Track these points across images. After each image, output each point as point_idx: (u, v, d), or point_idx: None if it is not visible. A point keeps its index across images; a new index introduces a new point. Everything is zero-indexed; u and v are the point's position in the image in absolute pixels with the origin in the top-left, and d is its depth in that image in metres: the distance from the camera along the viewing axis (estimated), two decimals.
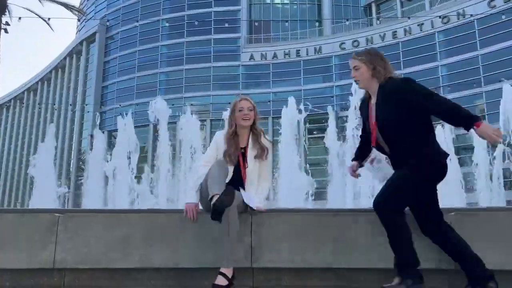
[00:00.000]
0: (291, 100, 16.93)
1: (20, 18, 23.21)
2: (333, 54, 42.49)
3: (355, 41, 41.88)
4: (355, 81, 3.11)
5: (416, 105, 2.79)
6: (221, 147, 3.48)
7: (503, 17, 33.96)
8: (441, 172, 2.90)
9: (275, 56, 43.84)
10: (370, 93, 3.09)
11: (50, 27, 25.85)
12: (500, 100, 18.01)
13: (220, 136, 3.56)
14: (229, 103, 3.75)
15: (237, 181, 3.38)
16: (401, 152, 2.87)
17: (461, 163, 18.71)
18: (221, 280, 2.97)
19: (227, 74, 44.58)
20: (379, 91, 2.98)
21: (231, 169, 3.39)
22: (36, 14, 23.82)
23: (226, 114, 3.94)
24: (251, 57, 44.55)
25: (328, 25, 45.49)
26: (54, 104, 55.70)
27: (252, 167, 3.46)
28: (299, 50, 43.56)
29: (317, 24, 46.05)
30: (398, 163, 2.90)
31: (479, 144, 17.95)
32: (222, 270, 3.01)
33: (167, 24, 46.83)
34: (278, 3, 48.45)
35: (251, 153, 3.47)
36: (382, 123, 2.92)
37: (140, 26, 46.85)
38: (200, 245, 3.28)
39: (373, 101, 3.03)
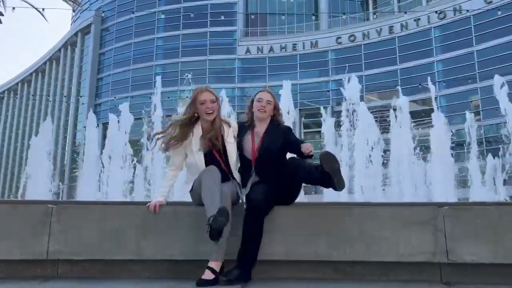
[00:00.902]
0: (286, 84, 16.64)
1: (14, 8, 22.99)
2: (329, 48, 42.42)
3: (351, 35, 41.83)
4: (263, 111, 3.66)
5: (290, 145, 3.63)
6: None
7: (499, 13, 34.00)
8: None
9: (271, 49, 43.71)
10: (257, 123, 3.71)
11: (45, 17, 25.66)
12: (495, 96, 18.05)
13: None
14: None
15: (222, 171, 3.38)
16: (273, 168, 3.51)
17: (456, 158, 18.82)
18: (208, 275, 2.99)
19: (223, 67, 44.41)
20: (270, 126, 3.70)
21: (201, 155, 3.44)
22: (30, 5, 23.57)
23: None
24: (247, 51, 44.39)
25: (325, 19, 45.36)
26: (48, 96, 55.37)
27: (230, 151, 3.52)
28: (296, 44, 43.44)
29: (313, 18, 45.88)
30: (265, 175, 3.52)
31: (473, 141, 18.09)
32: (210, 264, 3.03)
33: (163, 16, 46.51)
34: None
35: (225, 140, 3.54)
36: (267, 148, 3.57)
37: (135, 18, 46.49)
38: (193, 237, 3.29)
39: (260, 130, 3.68)
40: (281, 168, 3.50)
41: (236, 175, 3.52)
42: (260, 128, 3.68)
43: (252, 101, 3.73)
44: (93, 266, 3.37)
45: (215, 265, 3.03)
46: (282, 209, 3.42)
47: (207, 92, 3.50)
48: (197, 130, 3.50)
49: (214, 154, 3.47)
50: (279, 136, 3.62)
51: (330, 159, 3.16)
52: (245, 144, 3.61)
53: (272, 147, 3.56)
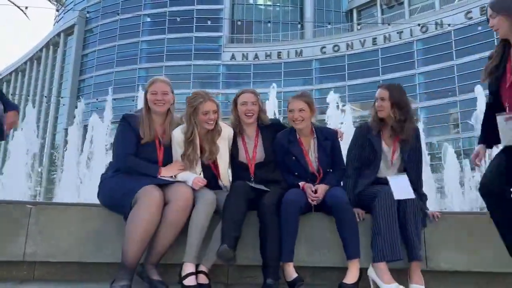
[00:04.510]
0: (272, 93, 16.86)
1: None
2: (313, 57, 42.84)
3: (335, 45, 42.34)
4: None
5: None
6: (179, 144, 3.33)
7: (479, 28, 34.91)
8: None
9: (256, 56, 43.89)
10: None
11: (27, 16, 25.32)
12: (473, 109, 18.55)
13: (178, 132, 3.35)
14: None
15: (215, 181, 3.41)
16: None
17: (433, 169, 19.16)
18: (203, 279, 3.00)
19: (207, 72, 44.38)
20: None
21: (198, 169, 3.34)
22: (12, 2, 23.18)
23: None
24: (232, 57, 44.49)
25: (310, 28, 45.85)
26: (28, 96, 54.33)
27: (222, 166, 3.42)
28: (281, 52, 43.74)
29: (299, 27, 46.33)
30: None
31: (451, 153, 18.50)
32: (202, 268, 3.02)
33: (148, 20, 46.29)
34: (261, 4, 48.54)
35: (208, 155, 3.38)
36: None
37: (120, 20, 46.11)
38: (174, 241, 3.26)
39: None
40: None
41: (227, 183, 3.45)
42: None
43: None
44: (71, 268, 3.31)
45: (206, 269, 3.05)
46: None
47: (209, 102, 3.32)
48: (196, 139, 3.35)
49: (210, 166, 3.40)
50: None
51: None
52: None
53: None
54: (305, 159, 3.42)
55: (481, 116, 3.08)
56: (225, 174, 3.41)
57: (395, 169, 3.45)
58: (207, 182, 3.25)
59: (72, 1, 52.88)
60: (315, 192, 3.27)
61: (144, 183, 3.04)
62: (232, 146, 3.48)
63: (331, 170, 3.48)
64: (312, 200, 3.25)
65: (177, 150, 3.33)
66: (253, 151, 3.48)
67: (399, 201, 3.12)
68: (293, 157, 3.42)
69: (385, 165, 3.46)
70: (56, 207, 3.50)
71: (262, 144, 3.50)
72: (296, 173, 3.44)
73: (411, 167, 3.42)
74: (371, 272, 3.07)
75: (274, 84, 16.93)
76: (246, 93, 3.54)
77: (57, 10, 56.32)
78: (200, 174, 3.30)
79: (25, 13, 24.44)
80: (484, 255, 3.26)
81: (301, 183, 3.37)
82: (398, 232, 3.03)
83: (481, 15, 35.72)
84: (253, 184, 3.31)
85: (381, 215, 3.06)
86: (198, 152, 3.30)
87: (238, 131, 3.53)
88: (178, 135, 3.32)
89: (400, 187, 3.18)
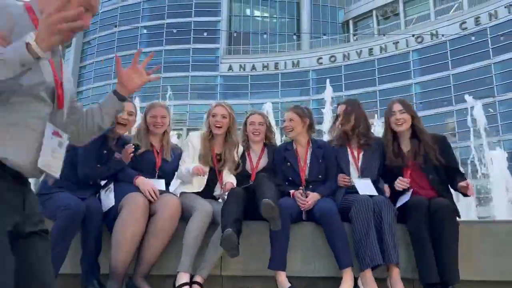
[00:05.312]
0: (267, 106, 17.07)
1: None
2: (310, 68, 43.08)
3: (332, 56, 42.62)
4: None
5: None
6: (196, 147, 3.58)
7: (473, 38, 35.24)
8: None
9: (253, 68, 44.09)
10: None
11: None
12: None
13: (195, 137, 3.65)
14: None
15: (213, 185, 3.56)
16: None
17: None
18: None
19: (205, 84, 44.50)
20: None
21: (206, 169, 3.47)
22: None
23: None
24: (230, 68, 44.68)
25: (307, 39, 46.17)
26: None
27: (226, 177, 3.58)
28: (278, 63, 43.96)
29: (295, 38, 46.65)
30: None
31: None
32: (197, 279, 3.04)
33: (145, 32, 46.56)
34: (258, 16, 48.90)
35: (225, 164, 3.61)
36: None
37: (118, 32, 46.37)
38: (162, 250, 3.27)
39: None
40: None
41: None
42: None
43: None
44: (72, 280, 3.30)
45: (201, 280, 3.08)
46: (254, 224, 3.40)
47: (219, 107, 3.68)
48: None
49: (215, 173, 3.58)
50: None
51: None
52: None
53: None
54: (298, 165, 3.62)
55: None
56: (224, 182, 3.55)
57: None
58: (205, 186, 3.45)
59: None
60: (306, 196, 3.39)
61: (129, 191, 3.12)
62: (240, 159, 3.74)
63: (321, 177, 3.62)
64: (301, 204, 3.33)
65: (189, 150, 3.55)
66: (257, 162, 3.74)
67: (375, 206, 3.17)
68: (288, 163, 3.65)
69: (355, 173, 3.64)
70: None
71: (266, 156, 3.80)
72: (290, 178, 3.62)
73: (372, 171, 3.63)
74: (359, 282, 3.09)
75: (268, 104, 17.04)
76: (255, 115, 3.91)
77: None
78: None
79: None
80: (476, 264, 3.28)
81: (291, 191, 3.46)
82: (375, 237, 3.06)
83: (475, 25, 36.10)
84: (246, 186, 3.42)
85: (358, 222, 3.12)
86: (213, 154, 3.54)
87: (246, 147, 3.84)
88: (195, 134, 3.66)
89: (364, 187, 3.43)
